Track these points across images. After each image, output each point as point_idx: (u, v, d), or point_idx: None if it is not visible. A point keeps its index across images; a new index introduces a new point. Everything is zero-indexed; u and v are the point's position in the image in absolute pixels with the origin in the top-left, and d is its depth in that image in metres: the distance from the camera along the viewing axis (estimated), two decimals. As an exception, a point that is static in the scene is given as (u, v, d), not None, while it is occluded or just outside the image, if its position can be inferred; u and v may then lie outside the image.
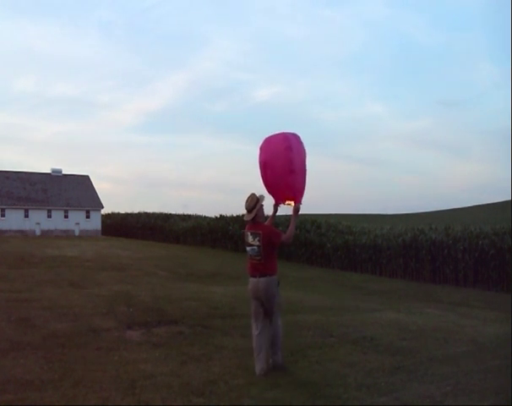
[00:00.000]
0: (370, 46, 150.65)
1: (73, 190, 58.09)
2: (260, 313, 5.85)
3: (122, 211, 63.47)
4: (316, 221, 32.14)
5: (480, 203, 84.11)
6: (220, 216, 41.65)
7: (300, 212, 6.18)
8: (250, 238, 5.84)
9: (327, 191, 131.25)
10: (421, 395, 5.11)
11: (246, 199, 5.89)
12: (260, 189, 6.28)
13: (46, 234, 53.23)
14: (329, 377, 5.64)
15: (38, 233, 53.76)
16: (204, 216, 46.70)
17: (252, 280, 5.85)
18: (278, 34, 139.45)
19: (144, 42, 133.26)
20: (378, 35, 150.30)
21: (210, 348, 6.91)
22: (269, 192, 6.18)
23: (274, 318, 5.91)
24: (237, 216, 38.47)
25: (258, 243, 5.75)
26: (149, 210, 58.60)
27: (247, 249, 5.89)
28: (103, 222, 59.47)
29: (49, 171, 59.48)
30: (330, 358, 6.53)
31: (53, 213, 55.35)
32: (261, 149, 6.17)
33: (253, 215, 5.81)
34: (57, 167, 60.20)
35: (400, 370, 5.98)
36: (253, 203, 5.80)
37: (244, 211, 5.95)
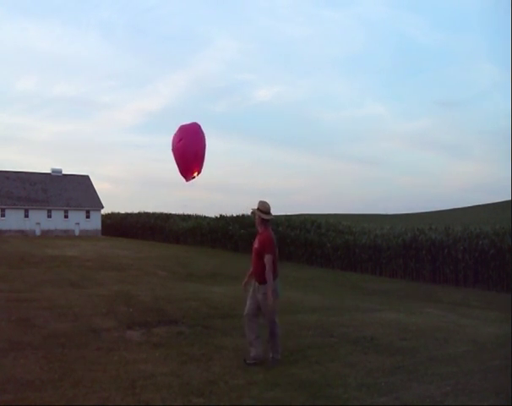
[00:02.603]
0: (370, 46, 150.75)
1: (73, 190, 58.05)
2: None
3: (122, 211, 63.45)
4: (316, 221, 32.16)
5: (480, 203, 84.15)
6: (220, 216, 41.65)
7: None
8: None
9: (327, 191, 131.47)
10: (421, 395, 5.12)
11: (263, 203, 6.36)
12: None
13: (46, 234, 53.19)
14: (329, 377, 5.64)
15: (38, 233, 53.74)
16: (204, 216, 46.66)
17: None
18: (278, 34, 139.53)
19: (145, 42, 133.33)
20: (378, 36, 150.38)
21: (210, 348, 6.91)
22: (186, 170, 6.73)
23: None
24: (237, 216, 38.49)
25: None
26: (149, 210, 58.53)
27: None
28: (103, 222, 59.42)
29: (49, 171, 59.39)
30: (330, 358, 6.54)
31: (53, 213, 55.32)
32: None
33: (271, 216, 6.41)
34: (57, 167, 60.21)
35: (400, 370, 5.99)
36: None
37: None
